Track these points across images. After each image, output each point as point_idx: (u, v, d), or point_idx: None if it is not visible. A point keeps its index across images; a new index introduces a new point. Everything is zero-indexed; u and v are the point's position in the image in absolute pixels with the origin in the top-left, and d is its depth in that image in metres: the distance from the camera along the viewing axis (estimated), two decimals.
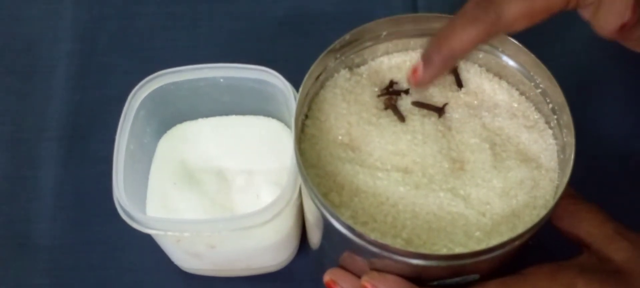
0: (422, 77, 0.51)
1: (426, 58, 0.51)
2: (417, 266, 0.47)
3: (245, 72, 0.60)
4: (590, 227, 0.50)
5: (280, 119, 0.64)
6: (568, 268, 0.49)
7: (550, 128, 0.54)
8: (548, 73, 0.52)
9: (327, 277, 0.53)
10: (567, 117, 0.51)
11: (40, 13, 0.80)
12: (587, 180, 0.63)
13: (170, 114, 0.64)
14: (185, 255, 0.60)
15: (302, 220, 0.61)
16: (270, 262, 0.63)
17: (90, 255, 0.66)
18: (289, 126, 0.63)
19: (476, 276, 0.49)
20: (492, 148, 0.53)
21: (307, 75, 0.53)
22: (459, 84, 0.57)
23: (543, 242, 0.53)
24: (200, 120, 0.65)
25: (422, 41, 0.57)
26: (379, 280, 0.49)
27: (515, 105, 0.55)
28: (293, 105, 0.56)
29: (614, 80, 0.73)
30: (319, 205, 0.49)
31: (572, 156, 0.49)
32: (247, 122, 0.65)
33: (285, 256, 0.63)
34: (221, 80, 0.61)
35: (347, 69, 0.57)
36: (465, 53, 0.51)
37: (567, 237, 0.52)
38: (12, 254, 0.66)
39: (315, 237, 0.56)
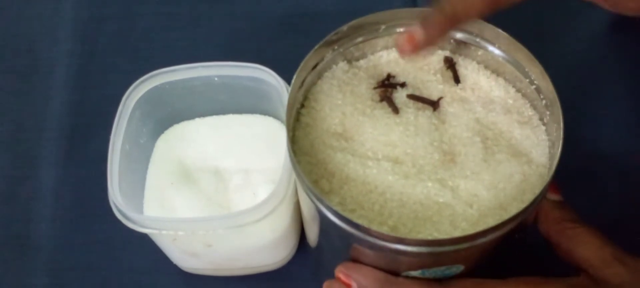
0: (419, 38, 0.51)
1: (425, 19, 0.51)
2: (399, 252, 0.47)
3: (239, 70, 0.61)
4: (587, 251, 0.50)
5: (276, 116, 0.65)
6: (554, 284, 0.49)
7: (544, 124, 0.54)
8: (541, 68, 0.52)
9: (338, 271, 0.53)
10: (557, 112, 0.50)
11: (40, 13, 0.80)
12: (584, 179, 0.64)
13: (167, 113, 0.64)
14: (183, 254, 0.61)
15: (299, 219, 0.61)
16: (268, 261, 0.63)
17: (90, 255, 0.66)
18: (284, 123, 0.63)
19: (460, 267, 0.49)
20: (484, 142, 0.53)
21: (301, 65, 0.54)
22: (456, 80, 0.57)
23: (533, 241, 0.53)
24: (197, 119, 0.66)
25: None
26: (353, 270, 0.50)
27: (511, 101, 0.55)
28: (284, 99, 0.57)
29: (613, 80, 0.73)
30: (307, 191, 0.49)
31: (559, 150, 0.49)
32: (244, 121, 0.65)
33: (283, 255, 0.63)
34: (216, 78, 0.61)
35: (345, 62, 0.58)
36: (469, 19, 0.51)
37: (565, 260, 0.51)
38: (11, 254, 0.67)
39: (312, 233, 0.56)
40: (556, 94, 0.51)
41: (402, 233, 0.49)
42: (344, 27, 0.56)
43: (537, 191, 0.50)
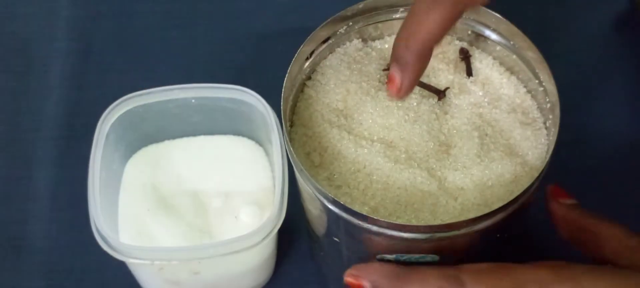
0: (401, 83, 0.50)
1: (399, 61, 0.50)
2: (372, 232, 0.48)
3: (219, 92, 0.60)
4: (614, 243, 0.48)
5: (252, 137, 0.64)
6: (576, 266, 0.46)
7: (546, 128, 0.53)
8: (549, 71, 0.52)
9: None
10: (554, 117, 0.50)
11: (35, 11, 0.79)
12: (587, 178, 0.65)
13: (137, 137, 0.63)
14: (165, 283, 0.60)
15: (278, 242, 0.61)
16: (249, 285, 0.63)
17: (86, 257, 0.65)
18: (263, 145, 0.63)
19: (435, 257, 0.49)
20: (481, 138, 0.52)
21: (310, 36, 0.54)
22: (469, 73, 0.56)
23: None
24: (166, 142, 0.64)
25: None
26: (361, 269, 0.49)
27: (518, 101, 0.55)
28: (272, 123, 0.57)
29: (616, 79, 0.72)
30: (294, 161, 0.50)
31: (549, 155, 0.49)
32: (218, 142, 0.64)
33: (263, 277, 0.63)
34: (193, 100, 0.61)
35: (360, 40, 0.58)
36: (439, 40, 0.49)
37: (592, 258, 0.49)
38: (7, 256, 0.66)
39: (320, 226, 0.56)
40: (558, 98, 0.50)
41: (382, 215, 0.49)
42: (360, 5, 0.56)
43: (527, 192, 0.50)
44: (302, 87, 0.56)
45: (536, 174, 0.49)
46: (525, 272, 0.45)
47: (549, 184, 0.51)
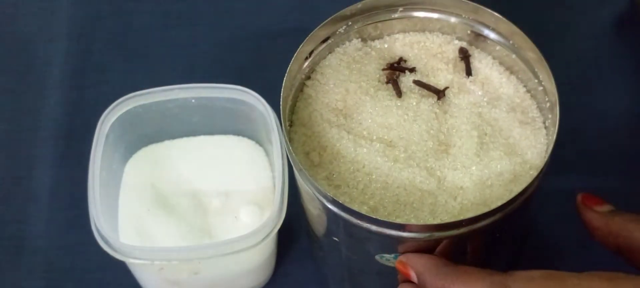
0: None
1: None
2: (371, 232, 0.48)
3: (219, 92, 0.60)
4: None
5: (252, 137, 0.64)
6: (635, 278, 0.42)
7: (546, 127, 0.53)
8: (548, 70, 0.52)
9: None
10: (554, 116, 0.50)
11: (35, 11, 0.79)
12: (588, 177, 0.65)
13: (136, 137, 0.63)
14: (165, 283, 0.60)
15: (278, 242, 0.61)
16: (249, 285, 0.63)
17: (86, 257, 0.64)
18: (263, 145, 0.63)
19: None
20: (481, 137, 0.52)
21: (309, 36, 0.55)
22: (468, 72, 0.56)
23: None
24: (166, 142, 0.65)
25: (440, 24, 0.58)
26: (410, 257, 0.48)
27: (518, 100, 0.55)
28: (272, 122, 0.57)
29: (618, 78, 0.72)
30: (293, 161, 0.50)
31: (548, 154, 0.49)
32: (218, 142, 0.64)
33: (263, 277, 0.63)
34: (193, 100, 0.61)
35: (360, 39, 0.58)
36: None
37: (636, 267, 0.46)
38: (7, 256, 0.66)
39: (320, 226, 0.56)
40: (557, 97, 0.50)
41: (381, 215, 0.49)
42: (359, 5, 0.56)
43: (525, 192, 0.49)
44: (302, 86, 0.56)
45: (535, 173, 0.49)
46: (580, 283, 0.43)
47: (579, 192, 0.50)
